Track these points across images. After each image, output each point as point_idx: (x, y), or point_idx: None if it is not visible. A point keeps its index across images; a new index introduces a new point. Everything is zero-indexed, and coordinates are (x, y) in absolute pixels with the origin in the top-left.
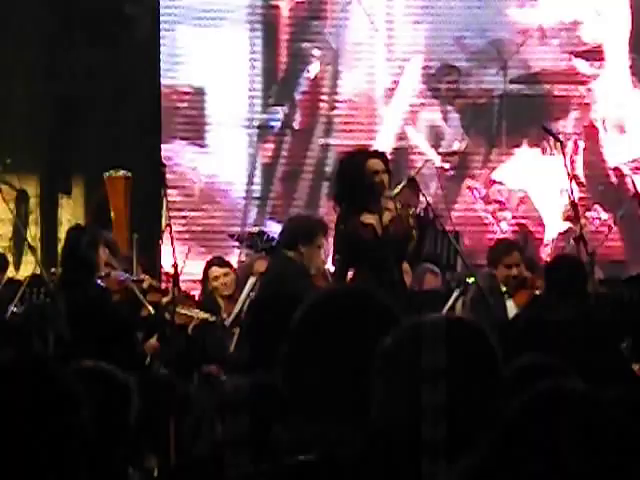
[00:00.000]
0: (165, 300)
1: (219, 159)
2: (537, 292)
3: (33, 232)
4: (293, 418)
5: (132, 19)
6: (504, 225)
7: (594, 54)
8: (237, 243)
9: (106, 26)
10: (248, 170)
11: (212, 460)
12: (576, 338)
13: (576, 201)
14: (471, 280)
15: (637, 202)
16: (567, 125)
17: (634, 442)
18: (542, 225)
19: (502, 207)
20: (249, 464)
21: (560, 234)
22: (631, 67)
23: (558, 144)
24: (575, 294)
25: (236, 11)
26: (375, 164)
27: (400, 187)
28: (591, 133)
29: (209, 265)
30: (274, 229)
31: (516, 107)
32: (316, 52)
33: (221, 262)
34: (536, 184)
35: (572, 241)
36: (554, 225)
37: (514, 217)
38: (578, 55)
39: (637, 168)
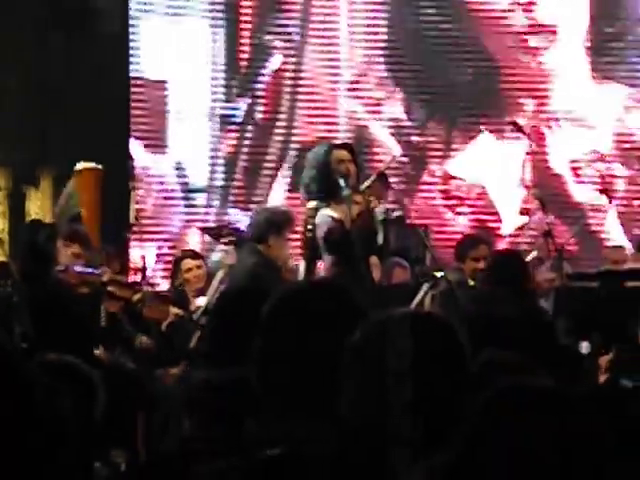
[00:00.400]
0: (136, 297)
1: (181, 151)
2: None
3: (1, 225)
4: (264, 413)
5: (102, 12)
6: (462, 220)
7: (548, 33)
8: (205, 236)
9: (76, 19)
10: (210, 162)
11: (181, 455)
12: (522, 335)
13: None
14: (440, 274)
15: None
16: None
17: (600, 439)
18: (499, 220)
19: (461, 202)
20: (219, 459)
21: (517, 229)
22: (591, 63)
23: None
24: (519, 289)
25: (198, 3)
26: (341, 154)
27: (370, 181)
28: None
29: (182, 257)
30: (238, 219)
31: (476, 98)
32: (279, 44)
33: (193, 254)
34: (494, 177)
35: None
36: (512, 219)
37: (472, 212)
38: (532, 34)
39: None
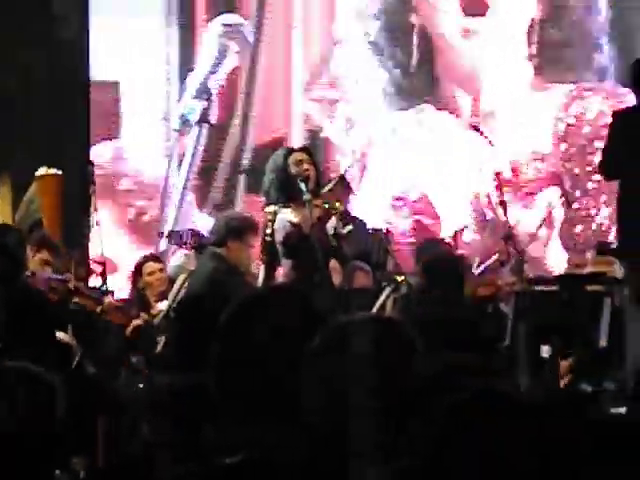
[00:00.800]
0: (99, 309)
1: (137, 153)
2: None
3: None
4: (221, 419)
5: (57, 17)
6: (404, 223)
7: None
8: (166, 240)
9: (35, 23)
10: (166, 164)
11: (141, 461)
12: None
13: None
14: (401, 278)
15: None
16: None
17: (573, 444)
18: (439, 222)
19: (402, 204)
20: (178, 465)
21: (458, 232)
22: (537, 68)
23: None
24: (454, 292)
25: (152, 4)
26: (299, 157)
27: (332, 184)
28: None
29: (144, 260)
30: (195, 220)
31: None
32: (233, 46)
33: (156, 258)
34: (437, 180)
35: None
36: (453, 222)
37: (414, 214)
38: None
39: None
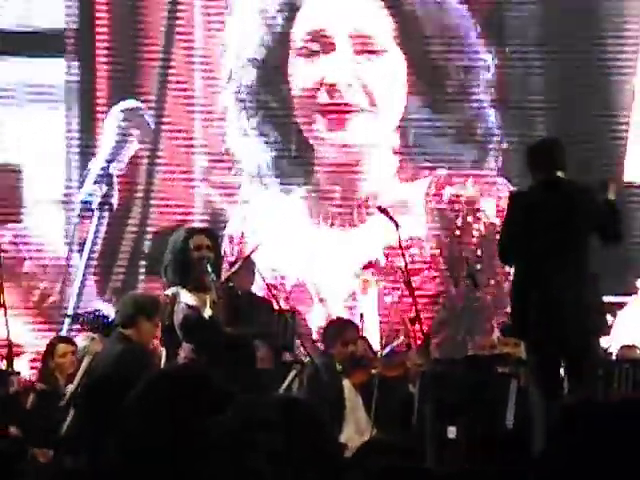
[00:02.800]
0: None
1: (37, 238)
2: (373, 371)
3: None
4: None
5: None
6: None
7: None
8: (70, 322)
9: None
10: (66, 249)
11: None
12: None
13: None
14: (307, 359)
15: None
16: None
17: None
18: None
19: (278, 290)
20: None
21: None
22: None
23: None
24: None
25: (52, 89)
26: (200, 240)
27: (237, 267)
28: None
29: (57, 342)
30: (98, 306)
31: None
32: (134, 131)
33: (68, 340)
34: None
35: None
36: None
37: (286, 299)
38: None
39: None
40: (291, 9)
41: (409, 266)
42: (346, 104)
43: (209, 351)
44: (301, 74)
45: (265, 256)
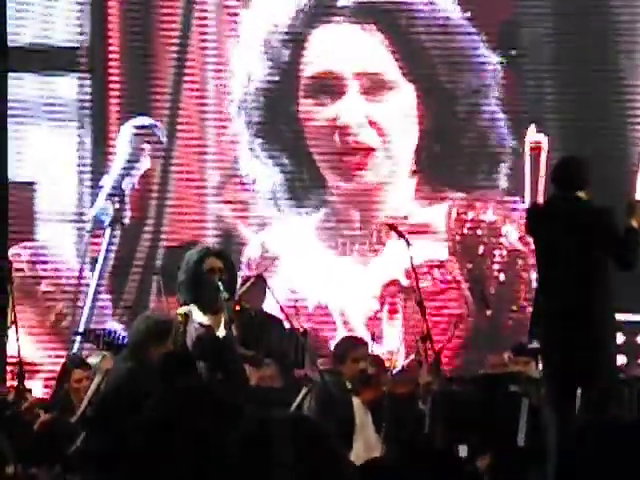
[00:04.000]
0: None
1: (54, 257)
2: (383, 388)
3: None
4: None
5: None
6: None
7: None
8: (82, 340)
9: None
10: (78, 266)
11: None
12: None
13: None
14: (318, 377)
15: None
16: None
17: None
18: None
19: (296, 312)
20: None
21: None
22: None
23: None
24: None
25: (64, 106)
26: (213, 263)
27: (247, 285)
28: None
29: (73, 365)
30: (110, 324)
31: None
32: (146, 148)
33: (84, 364)
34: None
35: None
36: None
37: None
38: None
39: None
40: (296, 43)
41: (431, 288)
42: (359, 146)
43: (223, 370)
44: (313, 114)
45: (284, 277)
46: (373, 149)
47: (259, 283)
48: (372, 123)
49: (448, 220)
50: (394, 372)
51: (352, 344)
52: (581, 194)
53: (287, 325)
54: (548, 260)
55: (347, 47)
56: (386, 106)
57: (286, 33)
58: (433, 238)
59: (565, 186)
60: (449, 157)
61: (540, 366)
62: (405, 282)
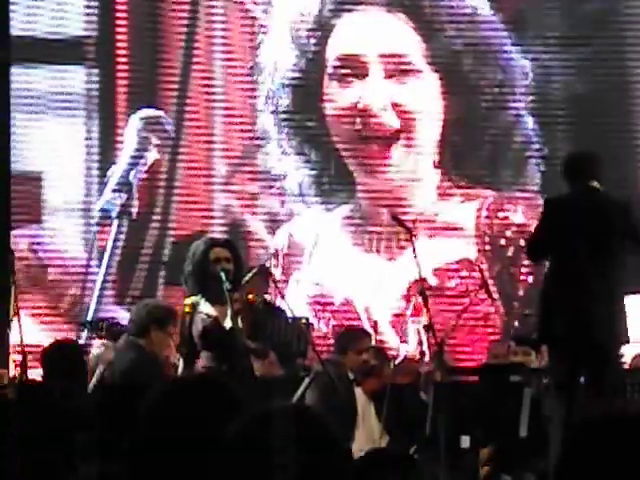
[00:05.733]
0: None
1: (56, 245)
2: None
3: None
4: None
5: None
6: (323, 326)
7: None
8: (84, 329)
9: None
10: (86, 257)
11: None
12: None
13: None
14: (320, 368)
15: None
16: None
17: None
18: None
19: (324, 308)
20: None
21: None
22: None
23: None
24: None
25: (72, 97)
26: (219, 253)
27: (250, 275)
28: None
29: None
30: (116, 314)
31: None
32: (154, 140)
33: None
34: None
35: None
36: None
37: (334, 316)
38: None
39: None
40: (322, 32)
41: (459, 287)
42: (383, 129)
43: (229, 360)
44: (336, 98)
45: (309, 271)
46: (396, 134)
47: (261, 274)
48: (395, 105)
49: (477, 221)
50: (396, 362)
51: (355, 335)
52: (596, 184)
53: (289, 314)
54: (570, 248)
55: (372, 30)
56: (409, 90)
57: (313, 22)
58: (461, 236)
59: (578, 177)
60: (472, 150)
61: (543, 356)
62: (433, 281)
